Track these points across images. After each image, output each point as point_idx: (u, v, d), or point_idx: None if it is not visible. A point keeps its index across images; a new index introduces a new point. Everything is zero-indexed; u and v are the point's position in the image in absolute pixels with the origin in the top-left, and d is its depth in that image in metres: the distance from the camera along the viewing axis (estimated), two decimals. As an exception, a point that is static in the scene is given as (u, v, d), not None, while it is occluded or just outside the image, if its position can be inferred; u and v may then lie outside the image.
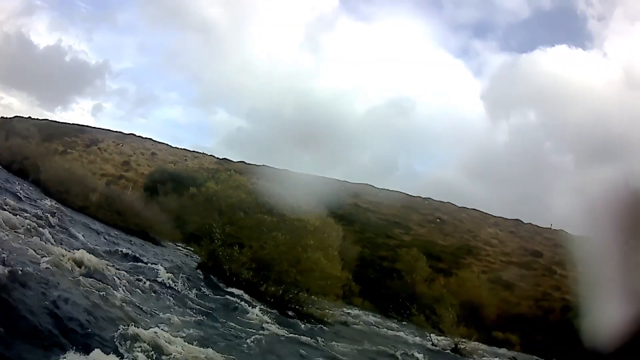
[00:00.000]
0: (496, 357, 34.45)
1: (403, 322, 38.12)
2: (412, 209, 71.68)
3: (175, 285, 22.45)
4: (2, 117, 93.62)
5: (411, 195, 79.11)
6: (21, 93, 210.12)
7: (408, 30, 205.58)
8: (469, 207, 77.04)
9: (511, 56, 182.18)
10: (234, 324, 19.00)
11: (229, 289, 27.16)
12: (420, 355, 25.22)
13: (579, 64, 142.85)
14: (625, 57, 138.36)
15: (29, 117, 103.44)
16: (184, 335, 13.89)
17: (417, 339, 32.85)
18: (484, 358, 32.94)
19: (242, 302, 24.35)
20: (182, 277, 24.78)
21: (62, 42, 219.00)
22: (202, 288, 24.75)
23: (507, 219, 77.26)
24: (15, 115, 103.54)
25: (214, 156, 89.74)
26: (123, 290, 16.76)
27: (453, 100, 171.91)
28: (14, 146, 59.22)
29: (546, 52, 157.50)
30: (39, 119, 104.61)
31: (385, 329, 35.24)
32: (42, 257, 15.53)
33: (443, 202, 77.42)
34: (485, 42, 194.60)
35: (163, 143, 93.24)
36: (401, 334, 33.97)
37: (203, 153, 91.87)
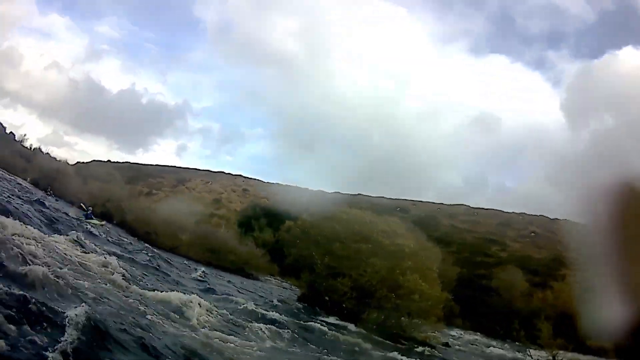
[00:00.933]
0: None
1: (503, 339, 38.42)
2: (507, 225, 71.26)
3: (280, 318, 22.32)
4: (77, 162, 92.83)
5: (505, 212, 78.36)
6: (97, 138, 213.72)
7: (483, 47, 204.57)
8: (561, 218, 76.03)
9: (584, 63, 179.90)
10: (339, 354, 19.15)
11: (332, 319, 27.40)
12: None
13: None
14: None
15: (108, 161, 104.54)
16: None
17: (517, 354, 33.32)
18: None
19: (345, 331, 24.72)
20: (284, 310, 25.45)
21: (136, 84, 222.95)
22: (305, 320, 24.82)
23: (597, 227, 76.11)
24: (92, 159, 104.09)
25: (308, 189, 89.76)
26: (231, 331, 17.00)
27: (535, 113, 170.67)
28: (95, 189, 57.36)
29: (615, 55, 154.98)
30: (119, 162, 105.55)
31: (484, 347, 35.73)
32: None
33: (536, 215, 76.02)
34: (558, 51, 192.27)
35: (254, 179, 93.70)
36: (500, 351, 34.34)
37: (297, 187, 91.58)
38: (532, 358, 32.43)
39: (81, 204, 41.88)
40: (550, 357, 31.27)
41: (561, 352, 31.35)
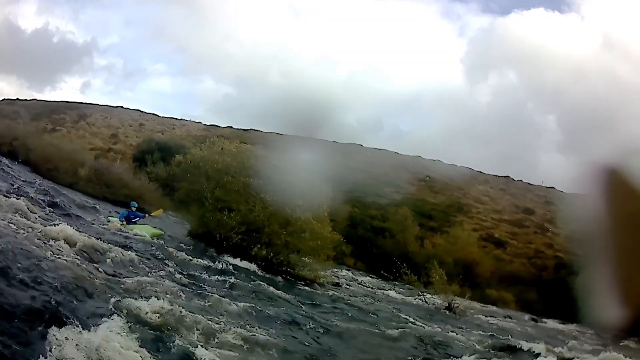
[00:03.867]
0: (490, 316, 34.69)
1: (395, 282, 38.27)
2: (401, 167, 71.46)
3: (167, 253, 22.18)
4: None
5: (400, 154, 79.33)
6: (9, 77, 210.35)
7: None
8: (458, 165, 77.06)
9: (489, 19, 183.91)
10: (226, 289, 19.01)
11: (220, 255, 27.15)
12: (415, 315, 25.50)
13: (557, 27, 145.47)
14: (603, 20, 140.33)
15: (17, 99, 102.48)
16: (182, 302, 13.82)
17: (410, 299, 33.53)
18: (478, 316, 33.09)
19: (232, 267, 24.49)
20: (172, 245, 25.09)
21: (50, 24, 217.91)
22: (193, 255, 24.23)
23: (497, 176, 77.67)
24: (3, 98, 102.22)
25: (201, 123, 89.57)
26: (113, 262, 16.66)
27: (437, 61, 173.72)
28: (2, 128, 56.61)
29: (522, 15, 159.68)
30: (27, 100, 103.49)
31: (376, 288, 36.10)
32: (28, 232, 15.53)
33: (432, 160, 76.94)
34: (466, 4, 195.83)
35: (150, 113, 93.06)
36: (393, 293, 34.87)
37: (190, 120, 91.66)
38: (427, 303, 32.93)
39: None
40: (446, 303, 31.63)
41: (458, 298, 31.73)
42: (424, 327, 22.12)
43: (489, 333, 24.55)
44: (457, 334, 21.63)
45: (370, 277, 41.79)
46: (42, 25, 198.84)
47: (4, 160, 40.74)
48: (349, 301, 25.58)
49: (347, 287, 32.57)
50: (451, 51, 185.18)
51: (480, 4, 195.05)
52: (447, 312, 30.75)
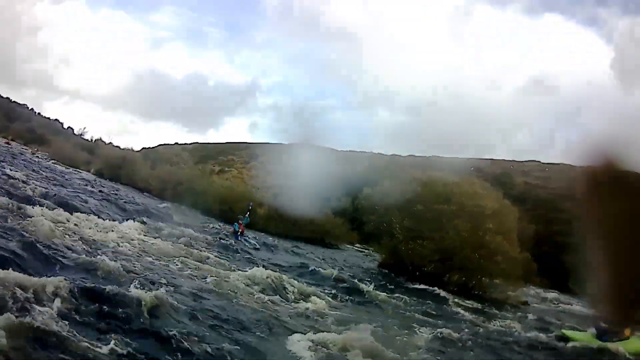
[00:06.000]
0: None
1: (581, 296, 37.57)
2: (578, 180, 69.55)
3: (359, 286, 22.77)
4: (143, 148, 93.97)
5: (575, 166, 77.50)
6: (164, 124, 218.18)
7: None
8: (632, 171, 74.98)
9: (629, 20, 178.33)
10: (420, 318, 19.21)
11: (413, 284, 27.96)
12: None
13: None
14: None
15: (175, 143, 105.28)
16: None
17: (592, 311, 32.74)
18: None
19: (426, 295, 25.29)
20: (366, 277, 26.29)
21: (202, 69, 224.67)
22: (387, 285, 25.52)
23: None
24: (159, 144, 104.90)
25: (382, 154, 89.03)
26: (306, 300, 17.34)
27: (592, 70, 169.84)
28: (164, 173, 57.08)
29: None
30: (187, 143, 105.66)
31: (562, 304, 36.01)
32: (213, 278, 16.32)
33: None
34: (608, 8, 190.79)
35: (327, 148, 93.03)
36: (578, 307, 33.76)
37: (371, 152, 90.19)
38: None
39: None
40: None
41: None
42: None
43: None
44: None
45: (557, 293, 41.64)
46: (193, 71, 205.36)
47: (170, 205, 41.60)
48: (536, 319, 25.53)
49: (536, 305, 32.51)
50: (601, 57, 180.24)
51: (621, 7, 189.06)
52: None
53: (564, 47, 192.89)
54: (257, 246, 29.94)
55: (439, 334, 15.83)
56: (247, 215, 33.30)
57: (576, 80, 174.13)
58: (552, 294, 40.32)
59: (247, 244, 29.33)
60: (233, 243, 27.54)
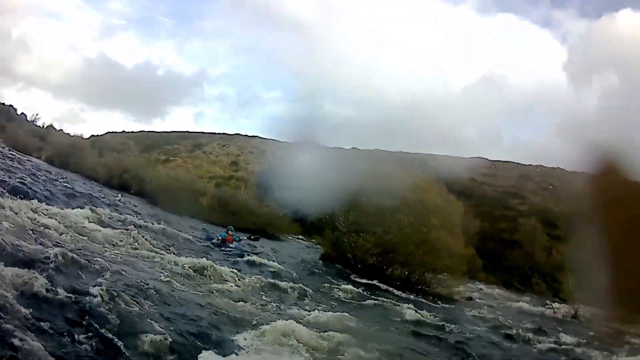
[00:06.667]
0: (616, 322, 33.63)
1: (525, 293, 38.51)
2: (526, 177, 70.93)
3: (299, 277, 22.81)
4: (92, 136, 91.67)
5: (523, 165, 78.23)
6: (112, 112, 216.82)
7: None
8: (579, 171, 75.58)
9: (584, 23, 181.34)
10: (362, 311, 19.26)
11: (355, 277, 27.57)
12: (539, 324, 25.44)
13: None
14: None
15: (123, 131, 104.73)
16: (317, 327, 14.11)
17: (540, 308, 32.92)
18: (603, 323, 32.29)
19: (368, 288, 25.02)
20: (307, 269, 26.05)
21: (152, 58, 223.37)
22: (328, 278, 25.14)
23: (617, 179, 75.86)
24: (107, 131, 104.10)
25: (326, 147, 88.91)
26: (245, 290, 17.32)
27: (544, 70, 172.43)
28: (110, 161, 56.92)
29: (613, 18, 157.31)
30: (134, 132, 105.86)
31: (507, 300, 35.59)
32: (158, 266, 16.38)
33: (553, 168, 75.47)
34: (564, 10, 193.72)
35: (271, 139, 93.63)
36: (523, 304, 34.19)
37: (316, 144, 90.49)
38: (554, 311, 32.35)
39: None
40: (572, 311, 31.18)
41: (582, 306, 30.89)
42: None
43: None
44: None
45: (501, 289, 41.87)
46: (143, 60, 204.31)
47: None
48: (480, 316, 25.73)
49: (481, 300, 32.51)
50: (554, 58, 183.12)
51: (577, 9, 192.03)
52: (573, 320, 30.33)
53: (516, 46, 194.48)
54: (246, 249, 28.67)
55: (373, 325, 16.51)
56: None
57: (527, 79, 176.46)
58: (497, 291, 40.54)
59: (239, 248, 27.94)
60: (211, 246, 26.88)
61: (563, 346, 21.01)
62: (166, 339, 9.70)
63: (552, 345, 20.82)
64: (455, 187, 45.33)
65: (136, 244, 19.51)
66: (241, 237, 30.95)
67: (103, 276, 12.38)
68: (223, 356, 10.06)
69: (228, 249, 27.25)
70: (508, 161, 79.82)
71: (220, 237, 28.51)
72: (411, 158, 62.38)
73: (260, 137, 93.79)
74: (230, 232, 29.29)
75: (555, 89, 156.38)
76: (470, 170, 67.98)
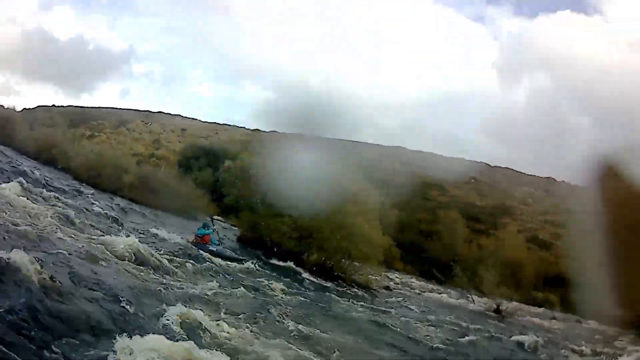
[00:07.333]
0: (536, 317, 33.88)
1: (444, 285, 38.59)
2: (447, 169, 70.02)
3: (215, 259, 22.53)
4: (24, 109, 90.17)
5: (445, 157, 79.00)
6: (46, 85, 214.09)
7: None
8: (502, 166, 76.53)
9: (519, 23, 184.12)
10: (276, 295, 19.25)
11: (272, 260, 27.52)
12: (463, 318, 25.29)
13: (583, 28, 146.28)
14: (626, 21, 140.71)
15: (53, 105, 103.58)
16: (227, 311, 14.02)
17: (460, 301, 33.31)
18: (525, 318, 32.27)
19: (284, 272, 25.03)
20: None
21: (85, 33, 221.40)
22: (244, 259, 24.83)
23: (539, 177, 76.98)
24: (38, 105, 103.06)
25: (245, 128, 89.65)
26: (165, 270, 16.91)
27: (475, 63, 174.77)
28: (40, 136, 57.24)
29: (550, 18, 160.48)
30: (63, 106, 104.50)
31: (426, 291, 36.14)
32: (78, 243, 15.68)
33: (476, 162, 76.62)
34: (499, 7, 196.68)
35: (193, 119, 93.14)
36: (442, 296, 34.87)
37: (234, 125, 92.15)
38: (474, 304, 32.74)
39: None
40: (494, 306, 31.37)
41: (505, 301, 31.72)
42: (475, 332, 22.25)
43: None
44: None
45: (420, 280, 42.02)
46: (76, 35, 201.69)
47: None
48: (398, 305, 25.87)
49: (398, 291, 32.52)
50: (485, 54, 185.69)
51: (513, 7, 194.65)
52: (495, 314, 30.52)
53: (449, 39, 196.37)
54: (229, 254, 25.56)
55: (283, 308, 16.60)
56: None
57: (457, 73, 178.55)
58: (416, 282, 40.74)
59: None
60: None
61: (486, 338, 20.98)
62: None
63: (474, 338, 20.55)
64: (375, 176, 45.36)
65: (57, 219, 18.73)
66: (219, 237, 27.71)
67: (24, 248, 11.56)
68: (141, 336, 9.53)
69: (207, 251, 23.85)
70: (429, 152, 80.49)
71: (199, 235, 25.26)
72: (332, 144, 62.01)
73: (182, 116, 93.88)
74: (207, 227, 26.16)
75: (485, 85, 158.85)
76: (390, 159, 68.19)
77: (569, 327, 32.18)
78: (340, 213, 28.59)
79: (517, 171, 77.07)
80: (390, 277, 36.63)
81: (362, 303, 22.89)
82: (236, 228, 35.24)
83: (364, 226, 28.99)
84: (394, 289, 32.70)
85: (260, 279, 21.23)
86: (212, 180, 46.82)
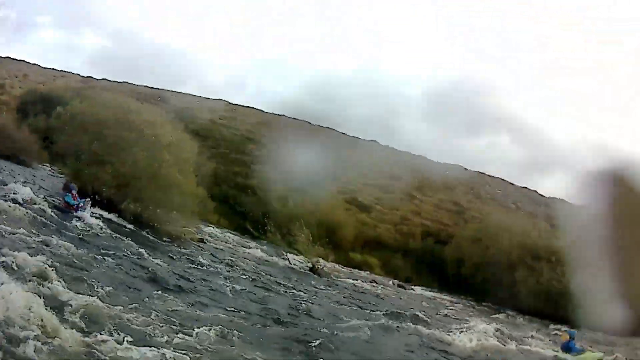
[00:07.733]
0: (356, 280, 35.74)
1: (259, 241, 39.30)
2: (266, 125, 70.23)
3: (39, 206, 23.45)
4: None
5: (264, 112, 79.83)
6: None
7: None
8: (323, 126, 76.92)
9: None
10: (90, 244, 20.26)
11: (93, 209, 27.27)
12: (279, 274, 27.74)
13: None
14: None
15: None
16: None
17: (274, 258, 34.46)
18: (343, 279, 34.06)
19: (101, 221, 25.68)
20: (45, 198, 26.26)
21: None
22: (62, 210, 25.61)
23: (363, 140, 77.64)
24: None
25: (79, 75, 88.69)
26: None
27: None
28: None
29: None
30: None
31: (241, 247, 36.66)
32: None
33: (297, 119, 77.13)
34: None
35: (35, 64, 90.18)
36: (258, 251, 35.53)
37: (70, 72, 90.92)
38: (289, 262, 34.15)
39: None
40: (310, 264, 33.32)
41: (321, 259, 33.50)
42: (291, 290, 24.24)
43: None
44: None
45: (234, 234, 42.07)
46: None
47: None
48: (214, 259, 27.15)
49: (213, 245, 33.20)
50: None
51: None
52: (311, 273, 32.36)
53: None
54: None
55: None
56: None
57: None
58: (231, 236, 40.82)
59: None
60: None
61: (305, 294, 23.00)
62: None
63: (294, 292, 23.06)
64: (193, 127, 45.47)
65: None
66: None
67: None
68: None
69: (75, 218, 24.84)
70: (249, 106, 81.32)
71: (65, 201, 26.15)
72: (154, 93, 62.56)
73: (26, 62, 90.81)
74: (73, 191, 26.70)
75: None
76: (211, 112, 67.84)
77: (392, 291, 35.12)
78: (156, 161, 29.54)
79: (342, 133, 78.22)
80: (205, 230, 36.85)
81: (172, 255, 24.11)
82: (62, 176, 35.04)
83: (178, 176, 30.22)
84: (209, 242, 33.19)
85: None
86: (45, 126, 46.72)
